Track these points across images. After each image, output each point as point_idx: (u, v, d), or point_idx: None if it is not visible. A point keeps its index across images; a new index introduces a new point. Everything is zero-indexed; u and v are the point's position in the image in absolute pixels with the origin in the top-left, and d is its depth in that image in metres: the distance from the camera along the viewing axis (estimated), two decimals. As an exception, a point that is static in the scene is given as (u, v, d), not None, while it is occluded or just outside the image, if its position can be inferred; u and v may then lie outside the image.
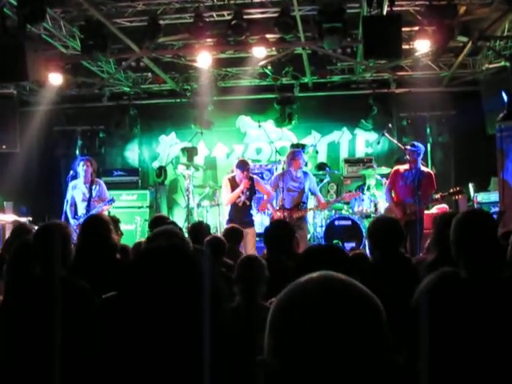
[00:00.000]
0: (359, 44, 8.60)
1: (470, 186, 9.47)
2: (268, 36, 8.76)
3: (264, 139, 10.61)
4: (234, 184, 7.73)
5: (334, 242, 8.27)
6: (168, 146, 11.67)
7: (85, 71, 10.07)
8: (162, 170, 10.94)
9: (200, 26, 7.99)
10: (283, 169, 8.29)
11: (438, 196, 7.22)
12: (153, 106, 11.50)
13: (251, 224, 7.78)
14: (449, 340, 2.06)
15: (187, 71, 10.41)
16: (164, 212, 10.65)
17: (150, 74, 10.68)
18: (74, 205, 7.87)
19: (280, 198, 7.84)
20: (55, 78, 9.33)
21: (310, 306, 0.90)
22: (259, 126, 9.78)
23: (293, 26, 7.95)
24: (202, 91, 10.67)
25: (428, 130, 10.69)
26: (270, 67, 10.22)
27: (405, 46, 7.98)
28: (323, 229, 8.84)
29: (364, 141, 11.26)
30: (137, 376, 1.09)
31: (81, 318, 2.29)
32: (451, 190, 7.33)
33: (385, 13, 7.06)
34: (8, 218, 9.04)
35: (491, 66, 9.72)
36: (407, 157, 7.31)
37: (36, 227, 4.38)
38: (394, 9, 6.98)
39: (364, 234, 8.32)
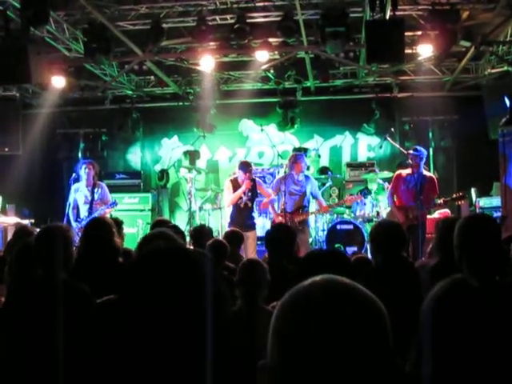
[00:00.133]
0: (362, 48, 8.61)
1: (473, 190, 9.46)
2: (271, 40, 8.78)
3: (266, 143, 10.62)
4: (236, 185, 7.73)
5: (336, 246, 8.26)
6: (170, 149, 11.68)
7: (88, 74, 10.09)
8: (164, 173, 10.94)
9: (203, 30, 8.01)
10: (285, 172, 8.29)
11: (440, 201, 7.19)
12: (155, 109, 11.52)
13: (253, 227, 7.77)
14: (462, 348, 2.05)
15: (190, 75, 10.43)
16: (166, 215, 10.66)
17: (152, 78, 10.68)
18: (77, 207, 7.88)
19: (282, 202, 7.83)
20: (58, 81, 9.34)
21: (314, 310, 0.90)
22: (261, 130, 9.79)
23: (295, 30, 7.97)
24: (204, 95, 10.68)
25: (430, 135, 10.68)
26: (272, 71, 10.23)
27: (407, 51, 7.97)
28: (325, 233, 8.83)
29: (366, 145, 11.25)
30: (138, 379, 1.09)
31: (80, 320, 2.28)
32: (454, 196, 7.31)
33: (388, 17, 7.06)
34: (10, 220, 9.05)
35: (494, 70, 9.72)
36: (409, 161, 7.29)
37: (38, 230, 4.38)
38: (397, 13, 6.97)
39: (366, 238, 8.31)
